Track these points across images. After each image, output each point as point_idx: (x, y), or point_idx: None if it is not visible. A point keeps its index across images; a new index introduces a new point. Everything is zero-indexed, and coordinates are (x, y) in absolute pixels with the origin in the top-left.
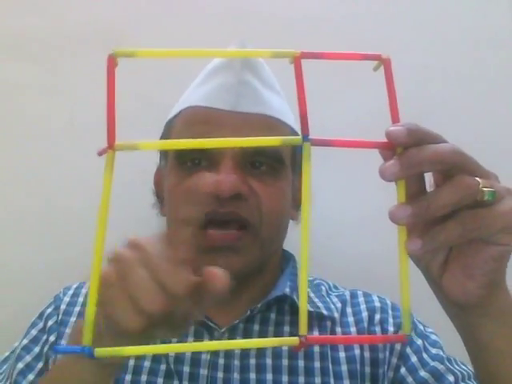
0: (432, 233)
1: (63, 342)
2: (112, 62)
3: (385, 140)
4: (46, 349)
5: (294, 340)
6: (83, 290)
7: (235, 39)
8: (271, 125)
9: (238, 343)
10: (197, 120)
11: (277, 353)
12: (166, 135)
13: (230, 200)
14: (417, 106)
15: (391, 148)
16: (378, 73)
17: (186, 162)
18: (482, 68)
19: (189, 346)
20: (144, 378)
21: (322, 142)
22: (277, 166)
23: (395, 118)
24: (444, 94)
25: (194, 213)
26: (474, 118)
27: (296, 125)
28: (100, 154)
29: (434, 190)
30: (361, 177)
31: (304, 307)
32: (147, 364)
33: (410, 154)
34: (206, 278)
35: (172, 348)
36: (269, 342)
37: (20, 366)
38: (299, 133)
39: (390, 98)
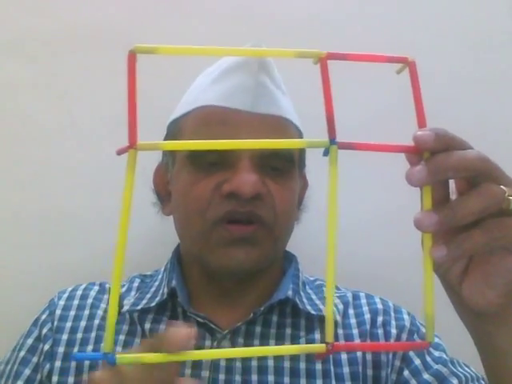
0: (457, 240)
1: (60, 349)
2: (133, 58)
3: (409, 144)
4: (41, 359)
5: (321, 347)
6: (78, 292)
7: (251, 40)
8: (285, 126)
9: (257, 350)
10: (214, 120)
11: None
12: (174, 134)
13: (249, 200)
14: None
15: (418, 152)
16: (389, 73)
17: (202, 163)
18: (486, 70)
19: (210, 353)
20: None
21: (349, 146)
22: (289, 168)
23: (422, 122)
24: (445, 94)
25: (214, 211)
26: (475, 117)
27: (299, 124)
28: (120, 153)
29: (460, 197)
30: (368, 180)
31: (330, 315)
32: None
33: (438, 160)
34: None
35: (193, 355)
36: (294, 349)
37: None
38: (302, 131)
39: (416, 102)
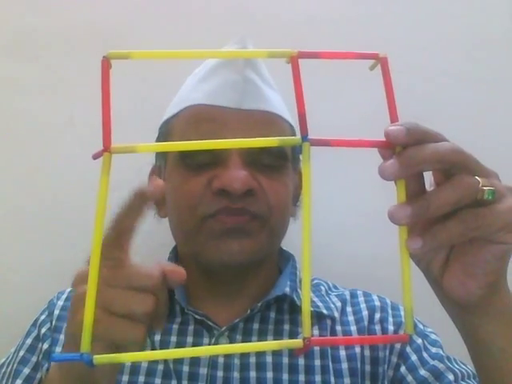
0: (433, 231)
1: (58, 348)
2: (106, 64)
3: (384, 139)
4: (40, 357)
5: (298, 342)
6: None
7: (235, 36)
8: (274, 121)
9: (239, 347)
10: (202, 118)
11: (277, 351)
12: (164, 136)
13: (241, 196)
14: (416, 105)
15: (390, 147)
16: (378, 72)
17: (193, 162)
18: (481, 68)
19: (188, 352)
20: (141, 378)
21: (321, 142)
22: (281, 162)
23: (394, 117)
24: (443, 93)
25: (204, 208)
26: (473, 116)
27: (293, 122)
28: (95, 157)
29: (434, 189)
30: (361, 177)
31: (307, 310)
32: (144, 364)
33: (410, 154)
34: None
35: (172, 353)
36: (271, 344)
37: (18, 382)
38: (297, 129)
39: (388, 97)
